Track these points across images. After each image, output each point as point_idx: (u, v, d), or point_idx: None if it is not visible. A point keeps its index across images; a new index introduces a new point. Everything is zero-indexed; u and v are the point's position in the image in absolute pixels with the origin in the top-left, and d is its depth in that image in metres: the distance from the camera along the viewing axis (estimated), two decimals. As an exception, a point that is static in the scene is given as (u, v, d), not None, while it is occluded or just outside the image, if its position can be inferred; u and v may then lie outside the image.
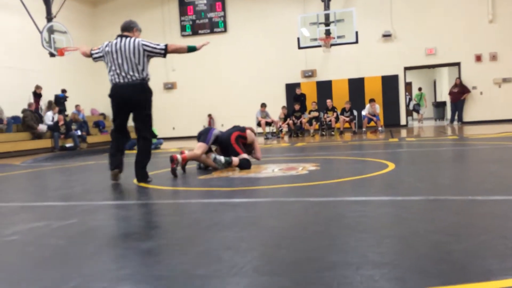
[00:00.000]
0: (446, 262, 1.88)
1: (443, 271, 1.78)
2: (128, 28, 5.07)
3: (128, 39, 4.94)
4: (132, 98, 4.98)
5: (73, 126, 14.17)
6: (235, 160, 5.48)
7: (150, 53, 4.98)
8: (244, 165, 5.51)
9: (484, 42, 15.50)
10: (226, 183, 4.63)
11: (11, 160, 10.19)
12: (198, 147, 5.71)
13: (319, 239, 2.35)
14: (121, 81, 4.92)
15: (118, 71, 4.92)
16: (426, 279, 1.69)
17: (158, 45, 4.98)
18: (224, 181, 4.74)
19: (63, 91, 15.76)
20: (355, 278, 1.74)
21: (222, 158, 5.39)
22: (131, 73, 4.90)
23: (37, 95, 14.53)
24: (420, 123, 18.54)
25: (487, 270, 1.76)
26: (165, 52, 5.00)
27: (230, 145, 5.69)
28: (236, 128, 5.97)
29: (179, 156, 5.44)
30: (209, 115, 18.02)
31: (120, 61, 4.89)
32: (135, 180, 5.10)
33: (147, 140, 5.14)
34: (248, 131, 5.97)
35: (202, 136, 5.84)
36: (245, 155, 5.63)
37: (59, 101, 15.38)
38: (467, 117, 15.98)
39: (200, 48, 5.12)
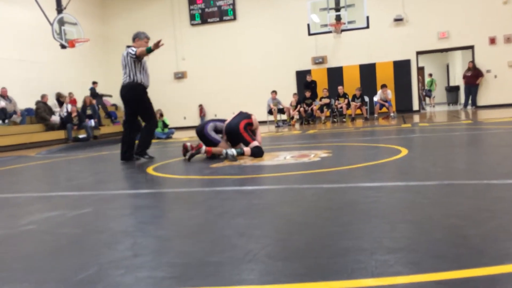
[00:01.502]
0: (462, 246, 1.86)
1: (459, 255, 1.76)
2: (133, 40, 6.30)
3: (127, 49, 6.16)
4: (125, 95, 6.22)
5: (88, 111, 14.27)
6: (247, 150, 5.46)
7: (132, 58, 6.07)
8: (257, 153, 5.48)
9: (498, 24, 15.17)
10: (238, 171, 4.64)
11: (26, 152, 10.33)
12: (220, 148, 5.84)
13: (332, 225, 2.35)
14: (123, 82, 6.21)
15: (122, 75, 6.23)
16: (442, 263, 1.68)
17: (134, 51, 6.05)
18: (236, 169, 4.74)
19: (94, 83, 16.14)
20: (369, 263, 1.73)
21: (234, 151, 5.37)
22: (124, 76, 6.17)
23: (60, 103, 14.67)
24: (431, 107, 18.37)
25: (503, 254, 1.74)
26: (135, 56, 6.03)
27: (239, 134, 5.66)
28: (242, 115, 5.93)
29: (204, 147, 5.70)
30: (200, 105, 17.96)
31: (122, 67, 6.21)
32: (149, 169, 5.14)
33: (147, 126, 6.35)
34: (253, 117, 5.99)
35: (204, 139, 5.95)
36: (255, 143, 5.61)
37: (94, 94, 15.78)
38: (481, 101, 15.73)
39: (155, 49, 5.85)
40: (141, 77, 6.11)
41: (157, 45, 5.77)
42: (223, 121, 6.14)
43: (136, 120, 6.41)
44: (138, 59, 6.05)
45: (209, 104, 18.07)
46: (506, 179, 3.18)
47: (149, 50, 5.88)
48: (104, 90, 18.10)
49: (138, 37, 6.23)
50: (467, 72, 15.82)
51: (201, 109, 18.10)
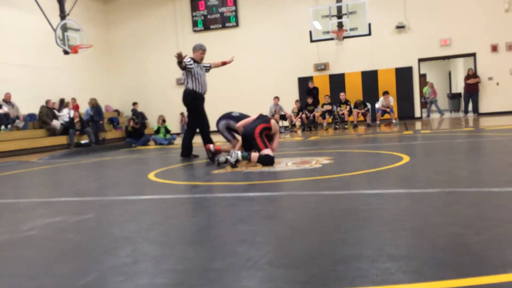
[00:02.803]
0: (463, 254, 1.85)
1: (461, 263, 1.75)
2: (192, 51, 6.97)
3: None
4: (182, 101, 6.95)
5: (91, 113, 14.29)
6: (254, 156, 5.24)
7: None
8: (264, 161, 5.22)
9: (500, 32, 15.19)
10: (240, 177, 4.64)
11: (28, 157, 10.34)
12: (230, 146, 6.27)
13: (334, 232, 2.35)
14: None
15: None
16: (443, 271, 1.67)
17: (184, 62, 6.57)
18: (238, 176, 4.74)
19: (134, 104, 16.62)
20: (371, 271, 1.73)
21: (239, 154, 5.22)
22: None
23: (51, 110, 14.69)
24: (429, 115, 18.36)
25: (506, 262, 1.73)
26: (180, 66, 6.58)
27: (253, 139, 5.47)
28: (261, 119, 5.71)
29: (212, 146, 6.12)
30: (182, 114, 17.86)
31: None
32: (150, 175, 5.14)
33: (187, 130, 7.18)
34: (272, 121, 5.74)
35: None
36: (267, 151, 5.38)
37: (136, 114, 16.17)
38: (483, 108, 15.72)
39: (180, 60, 6.33)
40: (193, 85, 6.72)
41: (179, 55, 6.31)
42: (238, 119, 6.21)
43: (194, 123, 7.03)
44: (184, 69, 6.60)
45: (211, 111, 18.03)
46: (508, 187, 3.17)
47: (178, 63, 6.42)
48: (106, 95, 18.17)
49: (194, 49, 6.89)
50: (467, 79, 15.80)
51: (182, 117, 17.90)
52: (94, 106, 14.56)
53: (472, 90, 15.63)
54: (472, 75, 15.61)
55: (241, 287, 1.68)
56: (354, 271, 1.74)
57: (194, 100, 6.78)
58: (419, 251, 1.94)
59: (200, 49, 6.86)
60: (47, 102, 13.86)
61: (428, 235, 2.17)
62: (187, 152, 6.98)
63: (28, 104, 13.84)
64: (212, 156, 6.06)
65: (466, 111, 16.05)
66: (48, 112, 13.71)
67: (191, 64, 6.62)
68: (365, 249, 2.00)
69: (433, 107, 17.93)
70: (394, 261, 1.82)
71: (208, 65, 7.16)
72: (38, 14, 13.21)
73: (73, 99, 15.49)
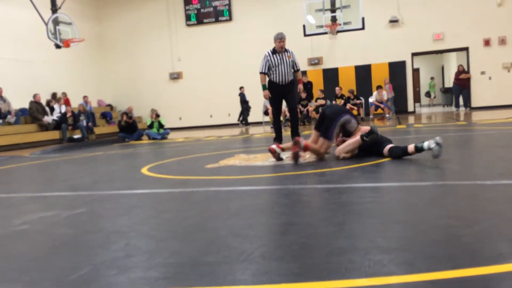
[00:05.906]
0: (455, 246, 1.87)
1: (452, 255, 1.77)
2: None
3: None
4: None
5: (81, 117, 14.20)
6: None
7: None
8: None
9: (492, 26, 15.25)
10: (233, 171, 4.63)
11: (20, 152, 10.27)
12: (320, 145, 4.98)
13: (327, 225, 2.35)
14: None
15: None
16: (435, 263, 1.68)
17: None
18: (231, 170, 4.74)
19: (241, 88, 16.45)
20: (363, 263, 1.74)
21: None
22: None
23: (51, 108, 14.55)
24: (430, 106, 18.54)
25: (497, 254, 1.75)
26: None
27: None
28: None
29: (302, 141, 4.86)
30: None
31: None
32: (143, 170, 5.12)
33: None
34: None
35: (322, 129, 5.00)
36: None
37: (243, 100, 16.22)
38: (475, 103, 15.80)
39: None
40: (270, 75, 7.15)
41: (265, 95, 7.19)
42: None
43: (276, 112, 7.45)
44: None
45: (204, 105, 18.03)
46: (500, 180, 3.19)
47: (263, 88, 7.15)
48: (98, 90, 18.05)
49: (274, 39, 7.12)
50: (458, 75, 15.84)
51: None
52: (84, 112, 14.44)
53: (463, 84, 15.70)
54: (462, 71, 15.67)
55: (235, 280, 1.68)
56: (346, 263, 1.75)
57: (270, 89, 7.12)
58: (411, 243, 1.95)
59: (276, 39, 7.07)
60: (35, 96, 13.59)
61: (420, 228, 2.18)
62: (277, 136, 7.41)
63: (19, 99, 13.70)
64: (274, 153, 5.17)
65: (457, 105, 16.15)
66: (38, 108, 13.57)
67: (266, 56, 7.13)
68: (358, 241, 2.01)
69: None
70: (386, 253, 1.83)
71: (298, 66, 7.44)
72: (29, 7, 13.06)
73: (64, 94, 15.35)
